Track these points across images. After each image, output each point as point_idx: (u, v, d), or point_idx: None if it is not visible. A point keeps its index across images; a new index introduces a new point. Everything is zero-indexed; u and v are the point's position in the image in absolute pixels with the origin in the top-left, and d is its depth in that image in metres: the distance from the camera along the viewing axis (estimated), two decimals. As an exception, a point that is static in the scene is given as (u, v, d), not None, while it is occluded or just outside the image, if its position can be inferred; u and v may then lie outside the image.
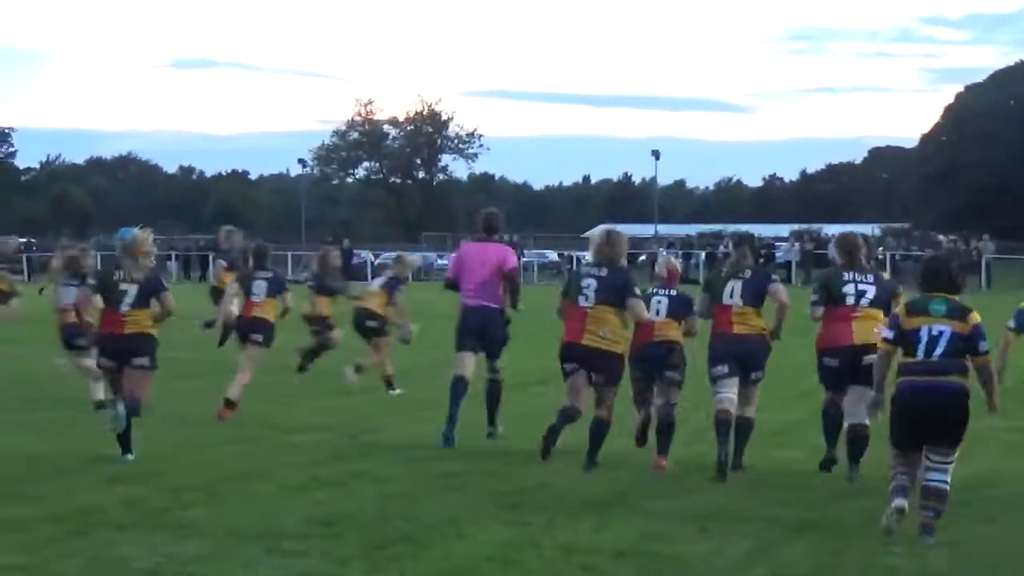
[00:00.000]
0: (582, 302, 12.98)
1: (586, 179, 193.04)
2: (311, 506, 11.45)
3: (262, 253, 18.99)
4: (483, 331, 14.56)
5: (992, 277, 59.55)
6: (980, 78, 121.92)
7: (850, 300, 12.49)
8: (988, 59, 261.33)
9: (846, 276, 12.81)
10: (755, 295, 13.07)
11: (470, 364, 14.73)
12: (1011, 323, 11.83)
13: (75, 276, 18.06)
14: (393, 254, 30.25)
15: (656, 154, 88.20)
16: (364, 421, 17.11)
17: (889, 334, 10.29)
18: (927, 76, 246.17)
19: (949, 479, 9.95)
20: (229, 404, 17.13)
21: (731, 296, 12.90)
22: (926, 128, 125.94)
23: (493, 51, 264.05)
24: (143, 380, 13.89)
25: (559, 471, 12.97)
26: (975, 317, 9.97)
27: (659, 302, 13.33)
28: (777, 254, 67.13)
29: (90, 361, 15.84)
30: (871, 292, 12.53)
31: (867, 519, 10.68)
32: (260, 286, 18.24)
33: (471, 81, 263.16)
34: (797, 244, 67.92)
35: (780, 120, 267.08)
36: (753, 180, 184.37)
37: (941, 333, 9.81)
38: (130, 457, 13.56)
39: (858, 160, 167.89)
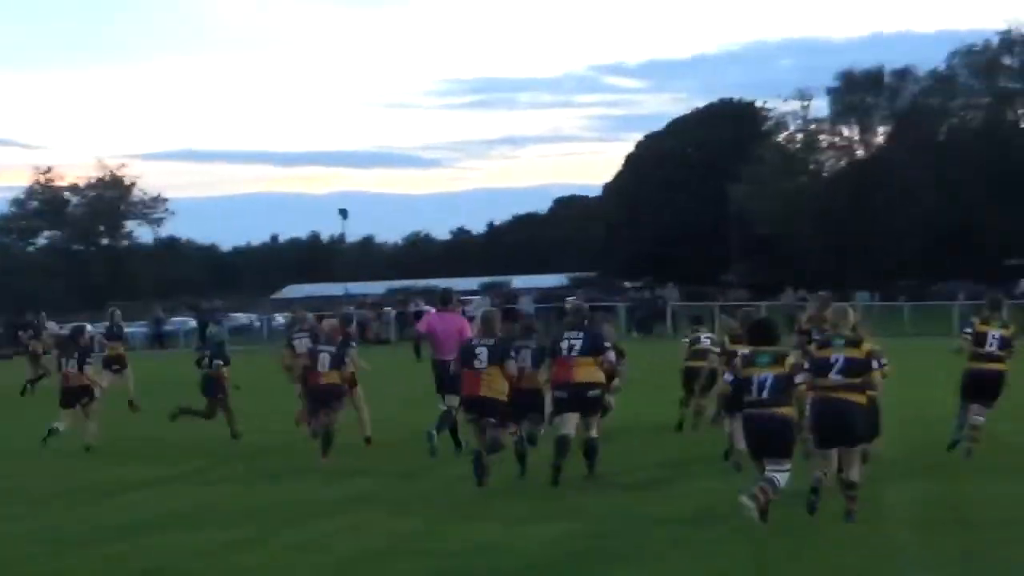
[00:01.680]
0: (476, 365, 16.43)
1: (274, 238, 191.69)
2: None
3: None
4: (454, 378, 17.59)
5: (677, 324, 60.90)
6: (659, 126, 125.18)
7: (565, 351, 16.47)
8: (667, 107, 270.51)
9: (565, 334, 16.76)
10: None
11: (453, 400, 18.24)
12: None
13: None
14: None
15: (344, 212, 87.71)
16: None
17: (729, 379, 13.55)
18: (608, 124, 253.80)
19: (782, 480, 12.64)
20: None
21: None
22: (609, 177, 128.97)
23: (176, 112, 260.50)
24: None
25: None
26: (790, 360, 12.92)
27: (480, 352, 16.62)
28: (467, 310, 67.13)
29: None
30: (578, 344, 16.45)
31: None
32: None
33: (153, 143, 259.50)
34: (488, 299, 68.19)
35: (466, 173, 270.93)
36: (442, 234, 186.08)
37: (766, 378, 12.74)
38: None
39: (544, 210, 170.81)
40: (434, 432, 18.34)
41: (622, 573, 11.08)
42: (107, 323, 31.40)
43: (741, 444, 14.49)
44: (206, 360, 22.73)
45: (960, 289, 66.33)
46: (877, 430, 15.00)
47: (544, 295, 73.92)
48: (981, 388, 17.32)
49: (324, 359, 19.66)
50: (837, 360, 13.05)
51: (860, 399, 13.17)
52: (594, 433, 16.49)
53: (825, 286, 74.55)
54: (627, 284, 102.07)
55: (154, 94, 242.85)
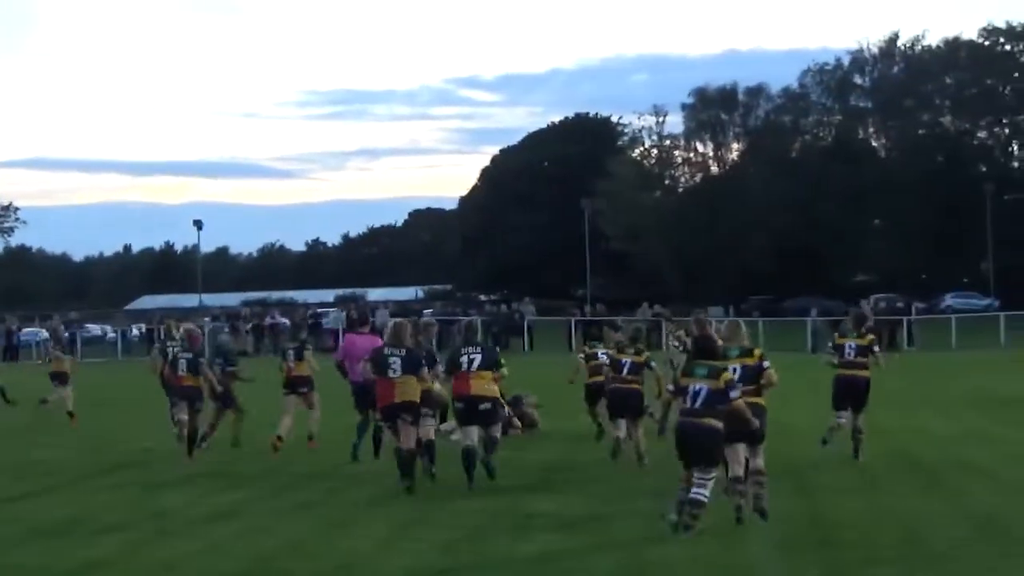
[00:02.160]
0: (391, 374, 17.20)
1: (127, 248, 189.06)
2: None
3: None
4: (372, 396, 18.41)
5: (534, 338, 61.09)
6: (515, 139, 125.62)
7: (465, 366, 17.37)
8: (522, 120, 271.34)
9: (463, 349, 17.71)
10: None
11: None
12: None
13: None
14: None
15: (199, 224, 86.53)
16: None
17: (671, 388, 14.24)
18: (465, 137, 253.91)
19: (707, 493, 13.11)
20: None
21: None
22: (464, 190, 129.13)
23: (25, 119, 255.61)
24: None
25: None
26: (726, 376, 13.50)
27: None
28: (324, 321, 66.65)
29: None
30: (478, 359, 17.43)
31: None
32: None
33: (2, 150, 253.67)
34: (344, 312, 67.61)
35: (322, 184, 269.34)
36: (297, 245, 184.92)
37: (700, 390, 13.36)
38: None
39: (399, 223, 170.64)
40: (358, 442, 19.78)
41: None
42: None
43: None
44: (217, 369, 22.26)
45: (812, 305, 67.32)
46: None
47: (400, 308, 73.60)
48: (847, 393, 19.12)
49: (182, 364, 20.50)
50: (736, 370, 14.13)
51: (761, 400, 14.44)
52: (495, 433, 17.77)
53: (678, 301, 76.00)
54: (482, 298, 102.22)
55: (1, 101, 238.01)
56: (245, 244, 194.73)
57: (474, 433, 17.21)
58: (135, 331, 71.86)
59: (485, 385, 17.39)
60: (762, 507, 13.83)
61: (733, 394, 13.47)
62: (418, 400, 17.37)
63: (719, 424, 13.36)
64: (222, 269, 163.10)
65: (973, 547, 12.25)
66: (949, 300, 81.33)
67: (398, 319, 20.36)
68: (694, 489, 13.13)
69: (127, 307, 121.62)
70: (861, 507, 14.52)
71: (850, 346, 19.33)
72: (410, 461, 17.01)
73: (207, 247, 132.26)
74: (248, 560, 12.45)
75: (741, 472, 13.84)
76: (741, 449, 13.93)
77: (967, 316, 65.24)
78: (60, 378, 28.85)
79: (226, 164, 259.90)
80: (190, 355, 20.71)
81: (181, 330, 23.67)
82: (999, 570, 11.33)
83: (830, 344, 20.21)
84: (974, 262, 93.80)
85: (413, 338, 18.29)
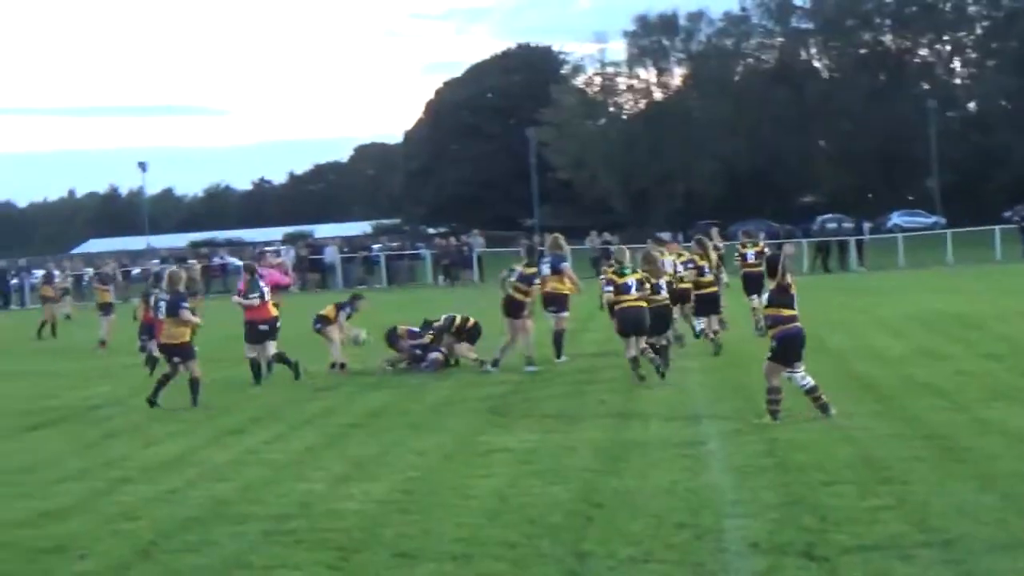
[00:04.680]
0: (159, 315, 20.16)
1: (71, 193, 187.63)
2: None
3: None
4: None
5: (484, 270, 60.92)
6: (458, 72, 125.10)
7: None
8: (469, 53, 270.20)
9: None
10: None
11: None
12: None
13: None
14: None
15: (143, 165, 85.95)
16: None
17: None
18: (412, 71, 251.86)
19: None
20: None
21: None
22: (409, 125, 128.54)
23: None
24: None
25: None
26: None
27: None
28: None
29: None
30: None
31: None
32: None
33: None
34: (292, 249, 67.28)
35: (266, 122, 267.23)
36: (242, 184, 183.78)
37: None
38: None
39: (344, 159, 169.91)
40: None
41: (448, 519, 10.94)
42: None
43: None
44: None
45: (760, 228, 67.61)
46: (667, 326, 21.02)
47: (348, 244, 73.29)
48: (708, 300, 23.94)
49: (162, 307, 20.47)
50: (632, 283, 19.86)
51: (645, 304, 19.85)
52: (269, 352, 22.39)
53: (628, 228, 76.11)
54: (431, 231, 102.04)
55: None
56: (190, 185, 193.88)
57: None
58: (89, 272, 70.82)
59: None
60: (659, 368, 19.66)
61: (658, 287, 20.33)
62: (177, 341, 19.82)
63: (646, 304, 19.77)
64: (168, 211, 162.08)
65: (925, 465, 12.34)
66: (896, 219, 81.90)
67: (172, 268, 23.10)
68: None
69: (74, 251, 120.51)
70: (815, 430, 14.59)
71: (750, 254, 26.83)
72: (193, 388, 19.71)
73: (152, 189, 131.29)
74: (207, 506, 12.36)
75: (643, 346, 19.70)
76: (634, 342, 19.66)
77: (914, 235, 65.71)
78: None
79: (169, 105, 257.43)
80: (167, 298, 20.36)
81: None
82: (948, 486, 11.41)
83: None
84: (919, 180, 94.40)
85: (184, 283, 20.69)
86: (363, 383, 21.91)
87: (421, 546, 10.28)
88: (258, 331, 22.34)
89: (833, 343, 23.59)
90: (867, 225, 62.15)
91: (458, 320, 23.52)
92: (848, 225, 65.27)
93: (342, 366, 23.20)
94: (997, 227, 59.46)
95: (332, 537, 10.74)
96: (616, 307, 19.75)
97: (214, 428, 17.64)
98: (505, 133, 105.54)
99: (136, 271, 64.20)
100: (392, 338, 23.47)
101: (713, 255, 24.84)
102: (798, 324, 15.35)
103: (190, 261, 55.97)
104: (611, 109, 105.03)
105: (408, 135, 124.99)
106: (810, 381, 15.32)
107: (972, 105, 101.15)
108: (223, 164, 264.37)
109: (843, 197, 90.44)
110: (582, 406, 17.74)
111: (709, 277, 24.03)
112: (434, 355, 22.93)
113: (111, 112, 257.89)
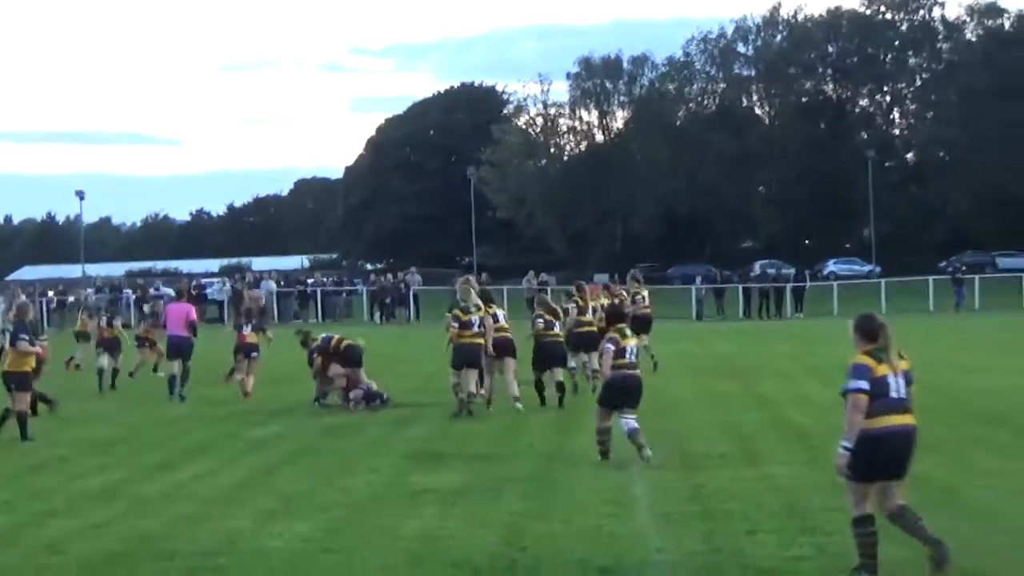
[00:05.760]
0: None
1: (8, 219, 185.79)
2: None
3: None
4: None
5: (420, 308, 60.98)
6: (401, 108, 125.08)
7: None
8: (410, 89, 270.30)
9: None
10: None
11: (177, 367, 25.56)
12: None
13: None
14: None
15: (80, 194, 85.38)
16: None
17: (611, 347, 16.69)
18: (351, 106, 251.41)
19: (635, 423, 15.88)
20: None
21: None
22: (351, 160, 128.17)
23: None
24: None
25: None
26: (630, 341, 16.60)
27: None
28: (208, 292, 65.93)
29: None
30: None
31: None
32: None
33: None
34: (228, 283, 66.93)
35: (207, 152, 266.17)
36: (181, 215, 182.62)
37: (634, 348, 16.44)
38: None
39: (284, 192, 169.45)
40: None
41: (372, 559, 10.93)
42: None
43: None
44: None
45: (695, 272, 68.06)
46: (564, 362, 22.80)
47: (285, 278, 73.06)
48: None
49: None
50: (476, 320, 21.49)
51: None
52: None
53: (565, 269, 76.23)
54: (368, 267, 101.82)
55: None
56: (128, 214, 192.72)
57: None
58: (23, 297, 70.25)
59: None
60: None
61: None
62: (17, 369, 19.79)
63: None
64: (106, 239, 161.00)
65: (846, 515, 12.40)
66: (832, 266, 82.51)
67: (22, 302, 23.01)
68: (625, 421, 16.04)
69: (7, 278, 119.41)
70: (743, 478, 14.68)
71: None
72: (21, 423, 19.64)
73: (90, 217, 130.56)
74: (133, 541, 12.28)
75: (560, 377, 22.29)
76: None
77: (849, 283, 66.24)
78: None
79: (109, 133, 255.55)
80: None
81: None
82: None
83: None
84: (856, 228, 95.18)
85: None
86: (295, 419, 21.89)
87: (345, 587, 10.26)
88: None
89: (765, 391, 23.76)
90: (808, 272, 62.88)
91: (334, 341, 23.84)
92: (787, 271, 65.80)
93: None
94: (931, 277, 60.14)
95: (257, 576, 10.72)
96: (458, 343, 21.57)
97: (143, 462, 17.53)
98: (446, 170, 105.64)
99: (71, 299, 63.58)
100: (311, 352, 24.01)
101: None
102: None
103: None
104: (552, 150, 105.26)
105: (349, 170, 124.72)
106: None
107: (911, 156, 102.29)
108: (162, 193, 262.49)
109: (780, 243, 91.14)
110: (511, 447, 17.76)
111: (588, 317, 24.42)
112: (356, 392, 23.08)
113: (48, 138, 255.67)
